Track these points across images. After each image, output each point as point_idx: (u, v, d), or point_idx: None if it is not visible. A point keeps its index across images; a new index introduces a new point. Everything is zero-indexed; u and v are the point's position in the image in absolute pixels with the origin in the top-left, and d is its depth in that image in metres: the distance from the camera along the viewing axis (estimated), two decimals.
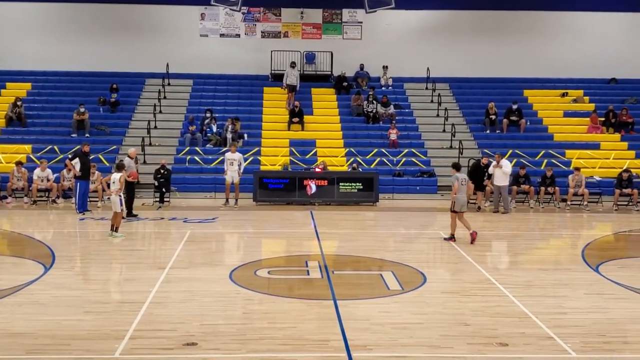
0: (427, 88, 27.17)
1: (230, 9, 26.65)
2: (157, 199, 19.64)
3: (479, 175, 19.48)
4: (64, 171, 19.73)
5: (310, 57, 27.70)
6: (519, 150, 23.23)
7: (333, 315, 8.92)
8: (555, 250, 14.79)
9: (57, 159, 21.39)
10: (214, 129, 23.72)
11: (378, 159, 22.81)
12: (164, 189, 19.71)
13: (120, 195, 14.50)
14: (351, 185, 20.25)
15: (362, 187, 20.25)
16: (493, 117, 24.76)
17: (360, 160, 22.45)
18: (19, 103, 24.14)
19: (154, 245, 14.70)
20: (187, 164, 22.30)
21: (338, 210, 19.22)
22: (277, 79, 26.94)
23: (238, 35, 28.13)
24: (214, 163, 22.18)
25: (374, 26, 28.05)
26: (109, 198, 16.02)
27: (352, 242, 14.44)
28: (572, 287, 10.70)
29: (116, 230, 14.50)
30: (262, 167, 21.97)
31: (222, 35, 28.07)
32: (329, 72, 27.73)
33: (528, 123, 25.04)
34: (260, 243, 15.10)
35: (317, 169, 20.75)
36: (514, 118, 24.78)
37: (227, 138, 22.94)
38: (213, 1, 25.72)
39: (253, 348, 7.70)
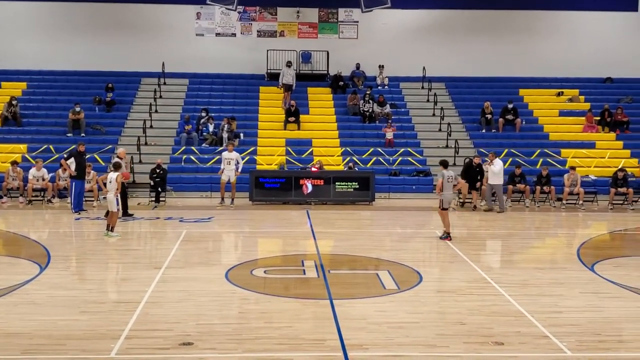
0: (423, 87, 27.22)
1: (226, 8, 26.63)
2: (153, 199, 19.63)
3: (471, 174, 19.53)
4: (60, 171, 19.69)
5: (306, 57, 27.70)
6: (515, 150, 23.28)
7: (329, 315, 8.92)
8: (551, 249, 14.82)
9: (52, 159, 21.36)
10: (211, 128, 23.71)
11: (374, 158, 22.83)
12: (159, 189, 19.69)
13: (117, 195, 14.48)
14: (347, 185, 20.26)
15: (358, 186, 20.26)
16: (489, 116, 24.80)
17: (356, 160, 22.46)
18: (14, 102, 24.09)
19: (149, 245, 14.68)
20: (183, 164, 22.28)
21: (334, 209, 19.23)
22: (273, 78, 26.94)
23: (234, 35, 28.12)
24: (210, 162, 22.17)
25: (370, 25, 28.07)
26: (104, 197, 15.98)
27: (348, 242, 14.44)
28: (567, 286, 10.72)
29: (112, 230, 14.48)
30: (258, 167, 21.96)
31: (218, 34, 28.05)
32: (325, 72, 27.73)
33: (524, 122, 25.08)
34: (256, 242, 15.10)
35: (313, 169, 20.75)
36: (509, 117, 24.82)
37: (223, 137, 22.93)
38: (209, 0, 25.69)
39: (249, 348, 7.69)
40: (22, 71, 27.03)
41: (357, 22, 28.23)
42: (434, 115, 25.59)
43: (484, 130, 24.78)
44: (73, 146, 19.93)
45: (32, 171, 19.68)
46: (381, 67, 27.60)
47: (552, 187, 20.31)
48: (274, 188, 20.11)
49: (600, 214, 19.47)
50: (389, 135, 23.70)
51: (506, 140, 24.01)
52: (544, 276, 11.32)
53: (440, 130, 24.64)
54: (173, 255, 12.61)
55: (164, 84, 26.63)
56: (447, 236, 14.26)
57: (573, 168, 20.65)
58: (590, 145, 23.97)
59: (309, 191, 20.06)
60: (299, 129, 24.51)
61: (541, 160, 22.64)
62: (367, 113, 25.09)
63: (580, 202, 20.14)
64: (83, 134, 23.32)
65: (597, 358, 7.59)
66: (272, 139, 23.96)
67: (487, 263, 12.91)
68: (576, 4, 28.18)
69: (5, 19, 27.22)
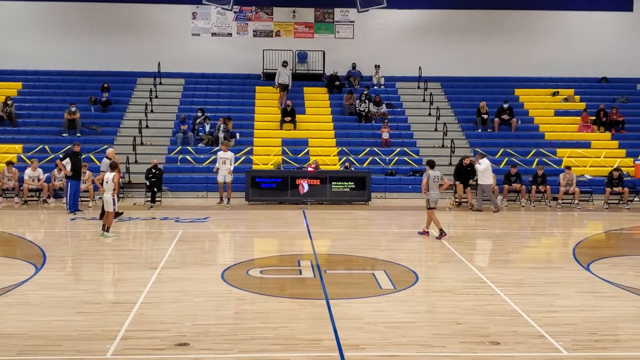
0: (419, 87, 27.24)
1: (222, 8, 26.58)
2: (149, 199, 19.59)
3: (463, 174, 19.57)
4: (55, 171, 19.64)
5: (302, 56, 27.69)
6: (510, 149, 23.32)
7: (325, 315, 8.92)
8: (547, 249, 14.84)
9: (48, 159, 21.32)
10: (207, 128, 23.69)
11: (370, 158, 22.83)
12: (155, 189, 19.66)
13: (114, 195, 14.46)
14: (343, 185, 20.26)
15: (354, 186, 20.27)
16: (484, 116, 24.83)
17: (352, 159, 22.46)
18: (9, 102, 24.03)
19: (145, 245, 14.66)
20: (178, 164, 22.25)
21: (330, 209, 19.23)
22: (269, 78, 26.92)
23: (230, 35, 28.09)
24: (206, 162, 22.15)
25: (366, 25, 28.09)
26: (100, 198, 15.95)
27: (344, 241, 14.44)
28: (563, 285, 10.73)
29: (107, 230, 14.45)
30: (255, 167, 21.96)
31: (213, 34, 28.02)
32: (321, 71, 27.73)
33: (519, 122, 25.11)
34: (252, 242, 15.08)
35: (309, 168, 20.75)
36: (505, 117, 24.84)
37: (219, 137, 22.91)
38: (205, 0, 25.66)
39: (245, 348, 7.69)
40: (17, 71, 26.97)
41: (353, 22, 28.23)
42: (429, 115, 25.61)
43: (479, 130, 24.81)
44: (69, 146, 19.91)
45: (28, 171, 19.63)
46: (377, 67, 27.61)
47: (548, 186, 20.35)
48: (270, 188, 20.10)
49: (596, 213, 19.51)
50: (385, 135, 23.71)
51: (502, 140, 24.05)
52: (540, 276, 11.34)
53: (436, 130, 24.66)
54: (169, 255, 12.60)
55: (160, 83, 26.59)
56: (441, 233, 14.30)
57: (569, 168, 20.70)
58: (586, 145, 24.02)
59: (305, 191, 20.05)
60: (295, 128, 24.51)
61: (537, 159, 22.68)
62: (363, 113, 25.09)
63: (576, 201, 20.19)
64: (79, 134, 23.28)
65: (593, 357, 7.61)
66: (268, 138, 23.95)
67: (483, 263, 12.93)
68: (571, 4, 28.25)
69: (0, 18, 27.15)
